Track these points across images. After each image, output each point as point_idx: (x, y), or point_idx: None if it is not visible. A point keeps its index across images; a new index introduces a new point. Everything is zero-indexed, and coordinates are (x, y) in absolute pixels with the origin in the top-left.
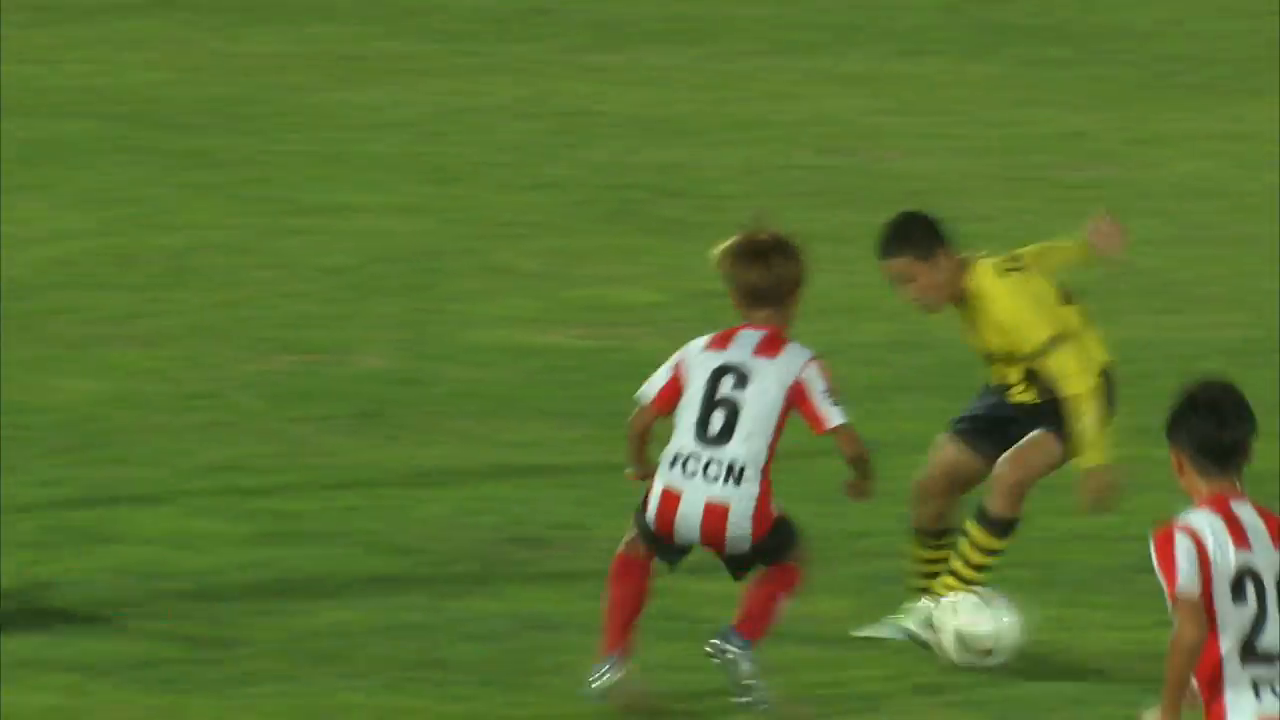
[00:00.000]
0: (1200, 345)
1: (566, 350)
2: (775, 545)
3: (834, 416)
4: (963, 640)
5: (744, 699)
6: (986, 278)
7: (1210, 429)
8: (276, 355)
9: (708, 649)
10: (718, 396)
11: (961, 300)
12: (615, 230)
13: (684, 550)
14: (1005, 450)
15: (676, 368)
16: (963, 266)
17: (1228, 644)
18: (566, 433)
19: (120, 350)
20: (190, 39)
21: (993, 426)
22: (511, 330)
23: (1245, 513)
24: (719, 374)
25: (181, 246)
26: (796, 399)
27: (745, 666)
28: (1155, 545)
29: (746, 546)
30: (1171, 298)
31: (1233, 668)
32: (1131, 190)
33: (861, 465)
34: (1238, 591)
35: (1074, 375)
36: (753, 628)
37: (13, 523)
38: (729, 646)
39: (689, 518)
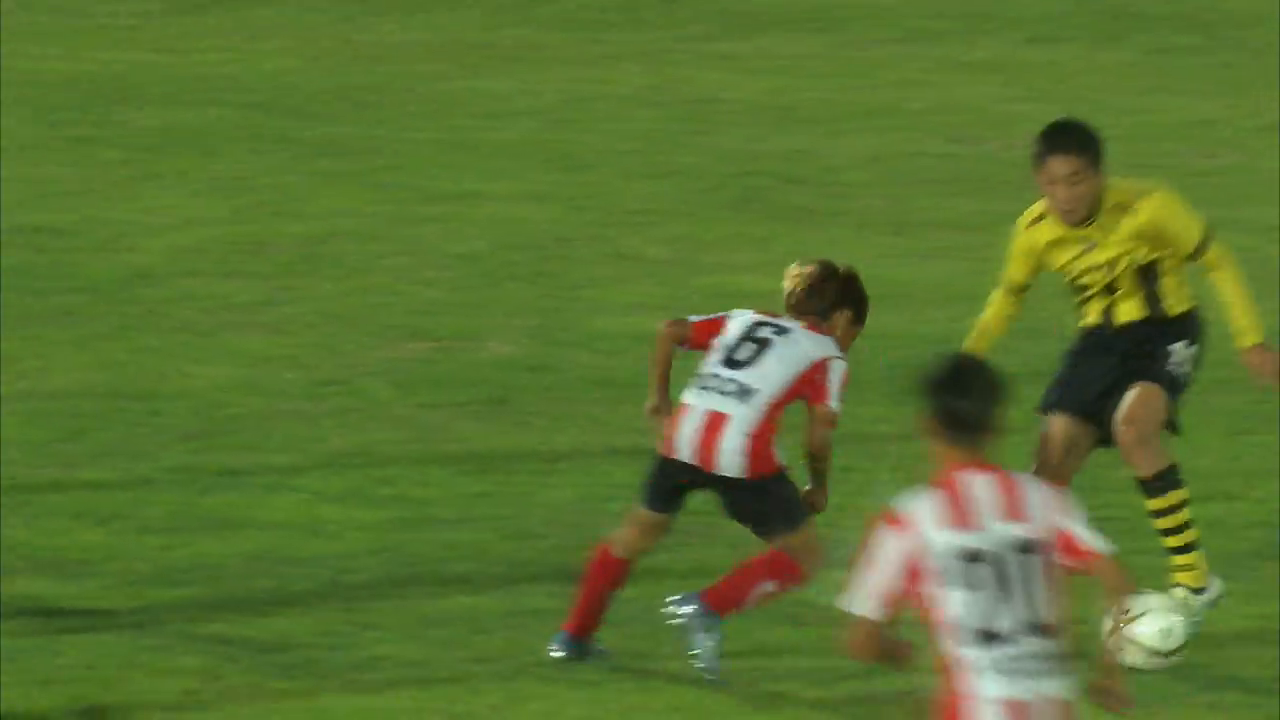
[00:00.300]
0: None
1: None
2: (774, 506)
3: (833, 400)
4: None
5: (699, 665)
6: (1144, 186)
7: (953, 400)
8: (406, 342)
9: (666, 602)
10: (754, 336)
11: (1096, 215)
12: (742, 218)
13: (678, 486)
14: (1109, 395)
15: (723, 316)
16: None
17: (958, 628)
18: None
19: (251, 337)
20: (320, 27)
21: (1087, 384)
22: (640, 317)
23: (981, 488)
24: (759, 324)
25: (312, 234)
26: (815, 370)
27: (695, 635)
28: (869, 537)
29: (737, 472)
30: None
31: (967, 652)
32: (1260, 176)
33: (819, 462)
34: (962, 576)
35: (1230, 260)
36: (719, 600)
37: (146, 508)
38: (683, 610)
39: (690, 426)
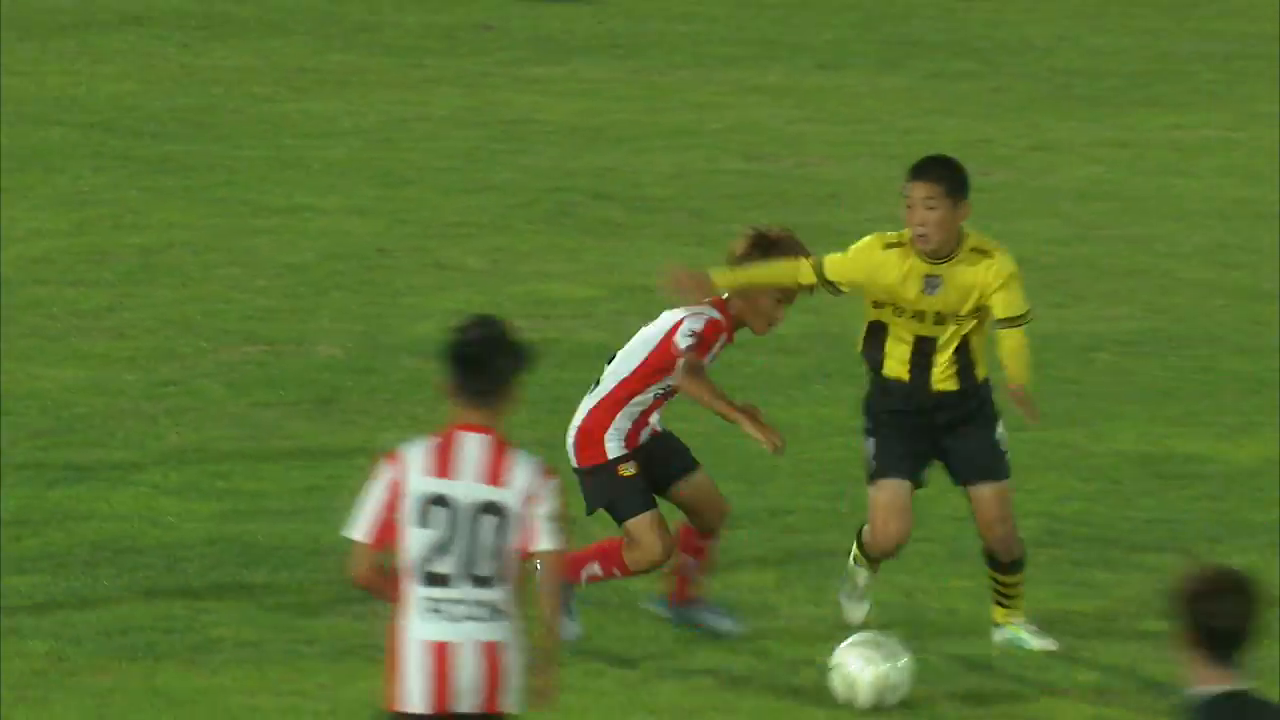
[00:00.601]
0: (1096, 336)
1: None
2: (590, 498)
3: (680, 340)
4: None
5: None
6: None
7: (456, 365)
8: (240, 346)
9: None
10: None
11: (950, 255)
12: (554, 230)
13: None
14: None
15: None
16: (963, 229)
17: (412, 566)
18: (510, 417)
19: (95, 341)
20: (158, 53)
21: (915, 444)
22: (458, 322)
23: (471, 447)
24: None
25: (151, 245)
26: (671, 332)
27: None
28: (371, 474)
29: (571, 460)
30: (1069, 292)
31: (414, 589)
32: (1031, 193)
33: (707, 403)
34: (424, 517)
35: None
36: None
37: None
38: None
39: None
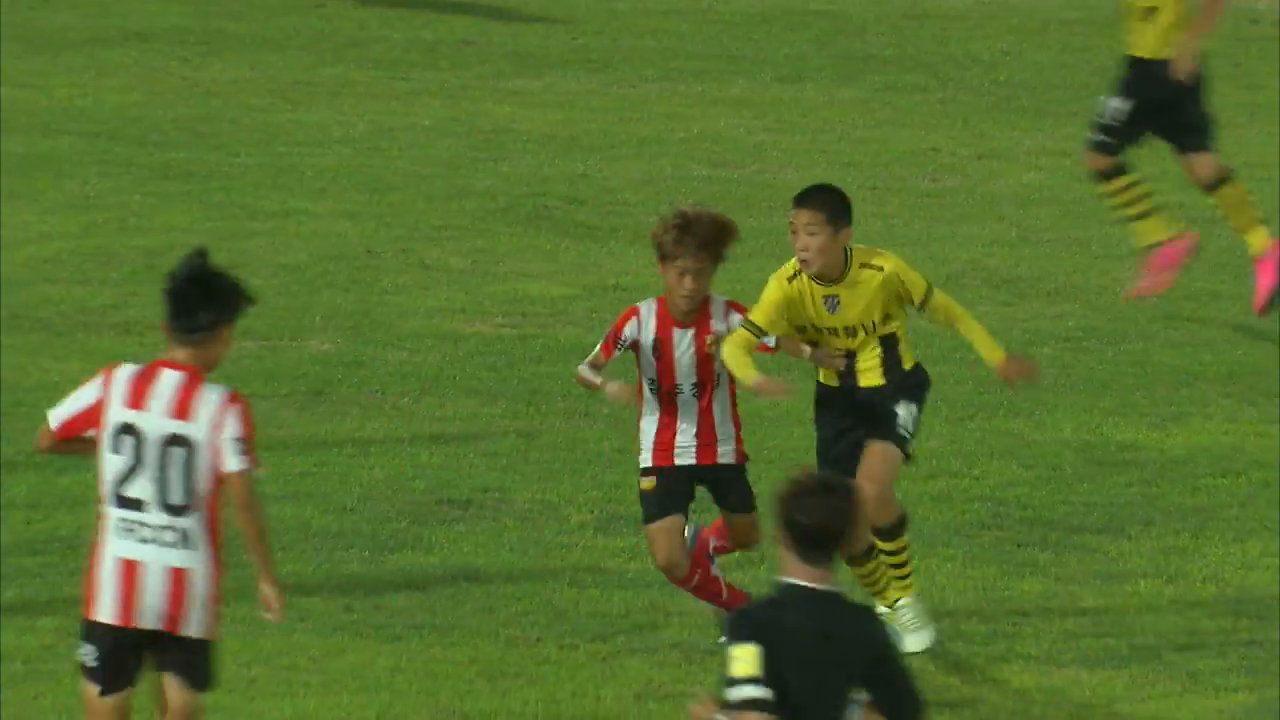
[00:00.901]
0: (1039, 333)
1: (489, 337)
2: None
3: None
4: None
5: None
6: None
7: (171, 304)
8: (237, 341)
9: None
10: None
11: (840, 277)
12: (531, 233)
13: None
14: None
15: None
16: (849, 250)
17: (107, 488)
18: (489, 408)
19: (102, 337)
20: (161, 67)
21: (846, 438)
22: (441, 320)
23: (166, 382)
24: None
25: (155, 246)
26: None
27: None
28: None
29: None
30: (1014, 292)
31: (110, 509)
32: (977, 198)
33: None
34: (116, 444)
35: (953, 300)
36: None
37: (10, 488)
38: None
39: None
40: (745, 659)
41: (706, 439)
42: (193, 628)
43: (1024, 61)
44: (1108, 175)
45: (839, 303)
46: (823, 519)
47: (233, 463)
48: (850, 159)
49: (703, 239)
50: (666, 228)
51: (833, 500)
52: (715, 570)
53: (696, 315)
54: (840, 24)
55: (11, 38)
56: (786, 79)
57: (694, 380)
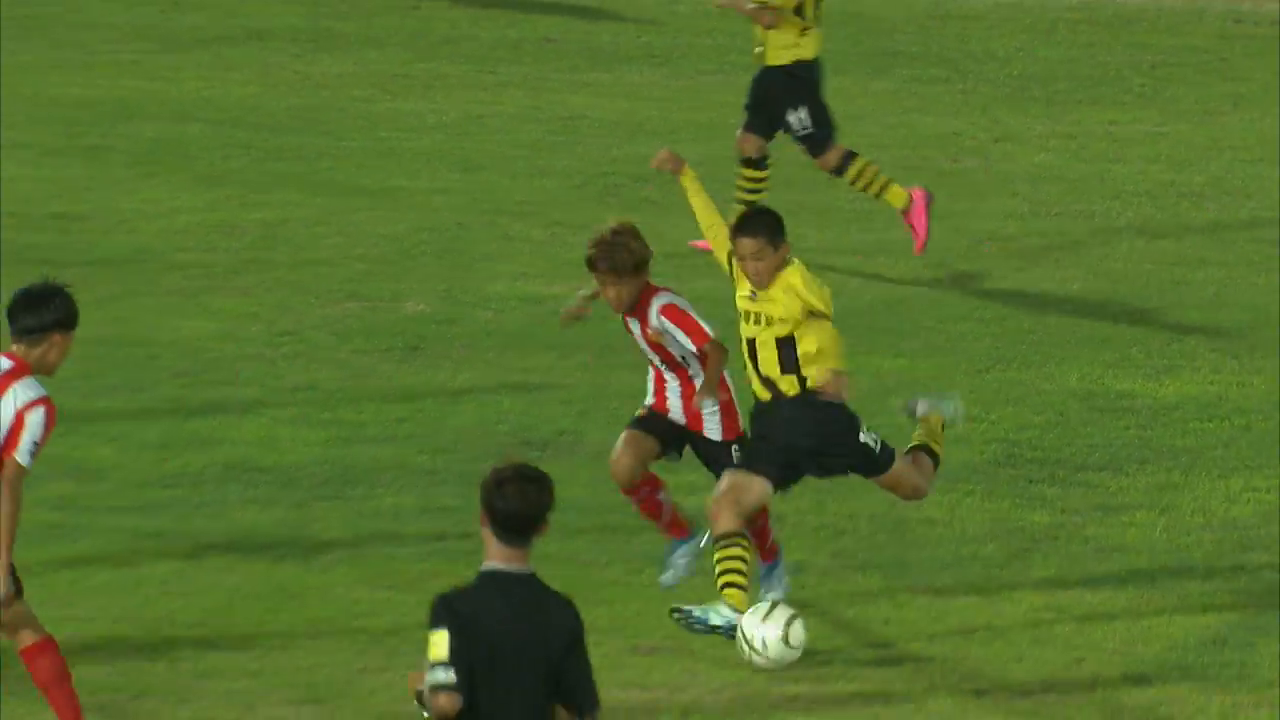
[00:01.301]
0: (1047, 294)
1: (565, 299)
2: None
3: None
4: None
5: None
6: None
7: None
8: (344, 302)
9: None
10: None
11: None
12: (603, 208)
13: None
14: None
15: None
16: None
17: None
18: (565, 361)
19: (225, 299)
20: (276, 62)
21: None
22: (523, 283)
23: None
24: None
25: (271, 220)
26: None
27: None
28: None
29: None
30: (1026, 258)
31: None
32: (994, 176)
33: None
34: None
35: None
36: None
37: (145, 430)
38: None
39: None
40: (438, 643)
41: (692, 409)
42: None
43: (1035, 56)
44: (840, 169)
45: (756, 295)
46: (521, 505)
47: (21, 455)
48: (881, 142)
49: (610, 263)
50: (587, 248)
51: (530, 488)
52: (664, 499)
53: (636, 310)
54: (872, 24)
55: (146, 37)
56: (827, 72)
57: (659, 359)
